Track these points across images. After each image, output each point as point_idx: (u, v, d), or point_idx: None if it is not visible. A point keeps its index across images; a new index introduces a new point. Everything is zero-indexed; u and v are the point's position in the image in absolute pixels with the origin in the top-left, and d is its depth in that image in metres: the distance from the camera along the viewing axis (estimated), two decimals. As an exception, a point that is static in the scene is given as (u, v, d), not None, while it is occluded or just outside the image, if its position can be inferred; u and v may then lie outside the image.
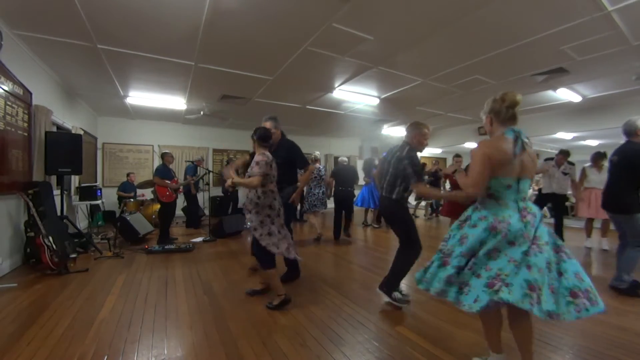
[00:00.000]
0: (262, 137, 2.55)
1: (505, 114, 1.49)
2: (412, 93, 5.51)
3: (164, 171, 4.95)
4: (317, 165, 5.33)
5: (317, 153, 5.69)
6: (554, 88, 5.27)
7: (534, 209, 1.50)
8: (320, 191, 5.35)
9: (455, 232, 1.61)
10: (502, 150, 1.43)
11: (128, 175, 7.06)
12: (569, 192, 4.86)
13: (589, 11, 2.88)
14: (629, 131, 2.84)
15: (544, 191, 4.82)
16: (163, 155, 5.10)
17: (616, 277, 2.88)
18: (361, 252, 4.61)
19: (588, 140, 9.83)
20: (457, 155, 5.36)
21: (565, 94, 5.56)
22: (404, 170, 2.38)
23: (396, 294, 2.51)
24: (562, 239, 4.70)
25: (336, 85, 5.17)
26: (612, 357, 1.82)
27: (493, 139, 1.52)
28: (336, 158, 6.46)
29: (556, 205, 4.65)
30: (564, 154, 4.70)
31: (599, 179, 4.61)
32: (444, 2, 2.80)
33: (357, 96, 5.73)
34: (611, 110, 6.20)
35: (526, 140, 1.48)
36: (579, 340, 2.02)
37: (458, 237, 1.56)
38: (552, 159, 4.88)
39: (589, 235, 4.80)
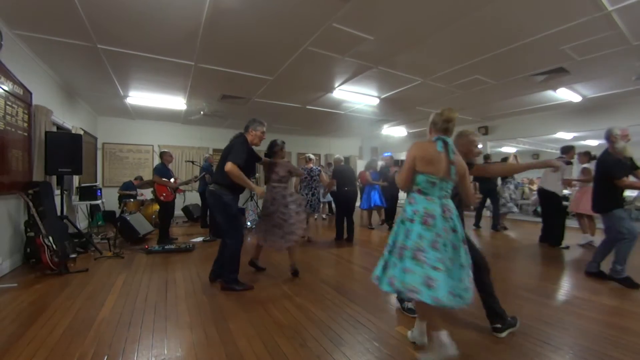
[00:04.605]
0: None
1: (440, 126, 1.81)
2: (412, 93, 5.51)
3: (162, 170, 4.94)
4: (311, 165, 5.10)
5: (311, 155, 5.37)
6: (554, 88, 5.27)
7: (451, 205, 1.75)
8: (310, 193, 5.01)
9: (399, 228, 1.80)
10: (426, 151, 1.73)
11: (135, 179, 6.99)
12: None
13: (589, 11, 2.88)
14: None
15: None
16: (162, 155, 5.09)
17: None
18: (361, 252, 4.60)
19: (588, 140, 9.85)
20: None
21: (565, 94, 5.56)
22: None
23: None
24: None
25: (336, 85, 5.17)
26: (612, 357, 1.82)
27: (422, 142, 1.81)
28: (330, 158, 6.09)
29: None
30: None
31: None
32: (443, 2, 2.80)
33: (357, 96, 5.73)
34: (611, 110, 6.20)
35: (454, 149, 1.76)
36: (579, 340, 2.02)
37: (403, 232, 1.74)
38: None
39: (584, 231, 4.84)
